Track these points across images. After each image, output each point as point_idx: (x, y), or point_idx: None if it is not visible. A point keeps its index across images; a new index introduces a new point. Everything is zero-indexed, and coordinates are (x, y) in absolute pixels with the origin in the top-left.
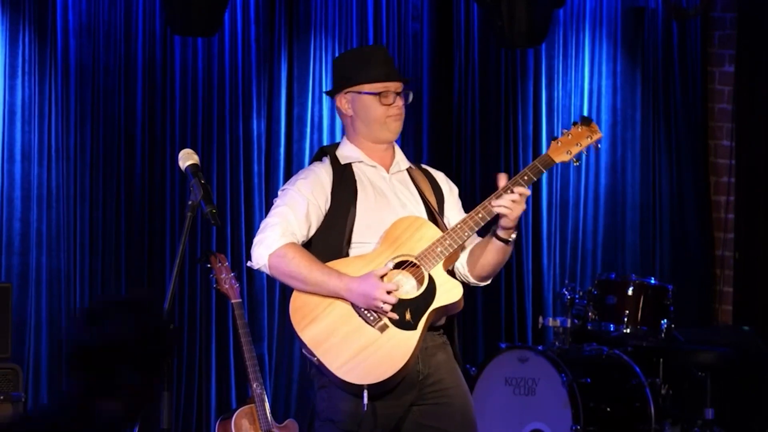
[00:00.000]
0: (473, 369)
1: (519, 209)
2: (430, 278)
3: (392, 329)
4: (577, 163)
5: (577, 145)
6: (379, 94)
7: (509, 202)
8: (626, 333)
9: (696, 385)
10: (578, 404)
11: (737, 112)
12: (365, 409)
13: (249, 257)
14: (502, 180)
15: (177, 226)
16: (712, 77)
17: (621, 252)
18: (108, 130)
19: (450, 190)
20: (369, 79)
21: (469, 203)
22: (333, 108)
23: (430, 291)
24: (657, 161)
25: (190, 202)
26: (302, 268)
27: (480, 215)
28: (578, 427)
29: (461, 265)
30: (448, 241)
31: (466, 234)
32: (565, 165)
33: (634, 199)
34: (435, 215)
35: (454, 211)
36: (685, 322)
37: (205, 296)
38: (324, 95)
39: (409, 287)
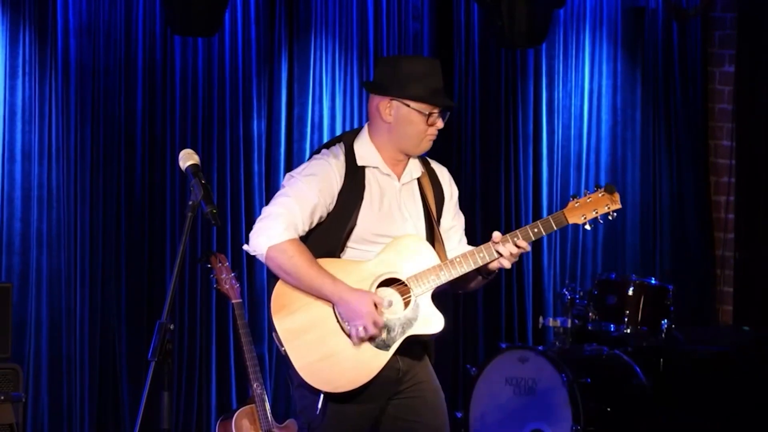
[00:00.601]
0: (473, 369)
1: (513, 260)
2: (416, 303)
3: (365, 343)
4: (589, 228)
5: (594, 211)
6: (427, 115)
7: (509, 255)
8: (626, 333)
9: (696, 384)
10: (578, 404)
11: (737, 112)
12: (317, 412)
13: (247, 241)
14: (498, 237)
15: (177, 226)
16: (712, 77)
17: (621, 252)
18: (108, 130)
19: (450, 196)
20: (422, 99)
21: (468, 203)
22: (333, 108)
23: (412, 317)
24: (657, 161)
25: (190, 202)
26: (299, 268)
27: (481, 255)
28: (578, 427)
29: None
30: (443, 272)
31: (463, 269)
32: (565, 169)
33: (634, 199)
34: (434, 232)
35: (448, 216)
36: (685, 322)
37: (205, 296)
38: (324, 95)
39: (394, 305)
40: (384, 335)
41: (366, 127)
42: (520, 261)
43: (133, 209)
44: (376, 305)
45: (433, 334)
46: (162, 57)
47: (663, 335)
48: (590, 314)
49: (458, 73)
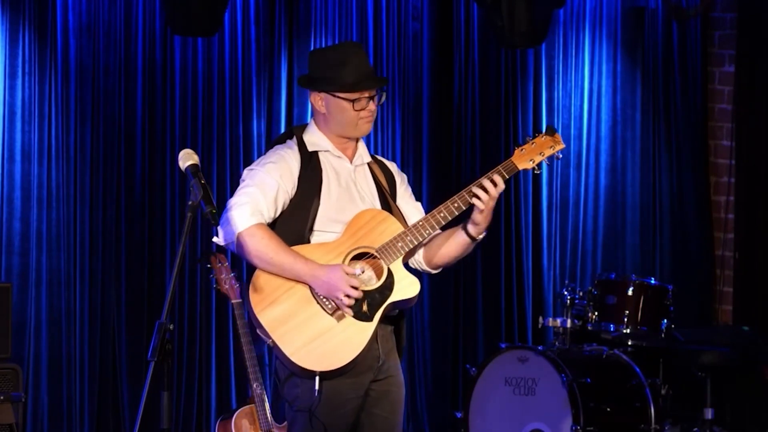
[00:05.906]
0: (473, 369)
1: (491, 202)
2: (389, 272)
3: (348, 319)
4: (538, 172)
5: (540, 154)
6: (353, 101)
7: (482, 192)
8: (626, 333)
9: (696, 385)
10: (578, 404)
11: (737, 112)
12: (316, 394)
13: (216, 233)
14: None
15: (177, 226)
16: (712, 77)
17: (621, 252)
18: (108, 130)
19: (401, 181)
20: (344, 88)
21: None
22: None
23: (388, 285)
24: (657, 161)
25: (190, 203)
26: (270, 249)
27: (442, 214)
28: (578, 428)
29: (417, 252)
30: (409, 237)
31: (427, 231)
32: (564, 169)
33: (634, 199)
34: (392, 209)
35: (404, 200)
36: (685, 322)
37: (205, 296)
38: None
39: (367, 279)
40: (365, 307)
41: (311, 119)
42: (519, 261)
43: (133, 209)
44: (347, 274)
45: (411, 298)
46: (162, 57)
47: (663, 335)
48: (590, 314)
49: (458, 73)
